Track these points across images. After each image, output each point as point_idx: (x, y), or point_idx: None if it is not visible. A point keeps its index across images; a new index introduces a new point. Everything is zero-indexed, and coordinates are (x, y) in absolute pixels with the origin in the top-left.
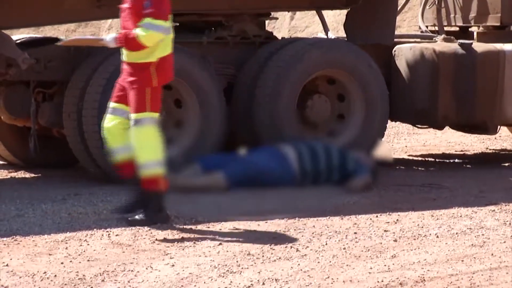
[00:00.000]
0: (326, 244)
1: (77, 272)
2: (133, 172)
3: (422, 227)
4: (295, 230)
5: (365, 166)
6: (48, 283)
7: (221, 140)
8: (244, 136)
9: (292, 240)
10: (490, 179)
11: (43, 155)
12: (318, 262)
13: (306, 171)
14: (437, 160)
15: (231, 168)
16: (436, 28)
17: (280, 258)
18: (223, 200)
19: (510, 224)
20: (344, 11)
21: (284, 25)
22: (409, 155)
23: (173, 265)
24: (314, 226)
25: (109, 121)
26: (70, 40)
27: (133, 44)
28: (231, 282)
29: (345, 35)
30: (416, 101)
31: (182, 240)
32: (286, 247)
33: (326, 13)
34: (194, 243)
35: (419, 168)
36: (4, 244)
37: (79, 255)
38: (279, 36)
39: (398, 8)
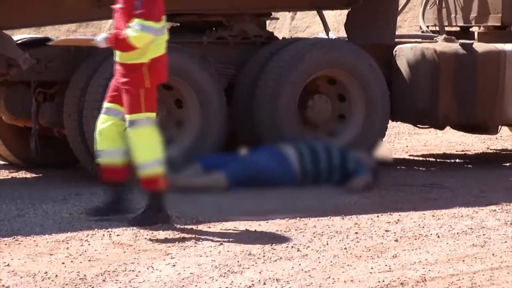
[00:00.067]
0: (327, 244)
1: (78, 272)
2: (115, 178)
3: (423, 227)
4: (296, 230)
5: (365, 166)
6: (49, 283)
7: (222, 140)
8: (245, 136)
9: (293, 240)
10: (491, 179)
11: (44, 155)
12: (319, 262)
13: (306, 171)
14: (438, 160)
15: (232, 168)
16: (437, 28)
17: (281, 258)
18: (223, 200)
19: (511, 224)
20: (345, 11)
21: (284, 25)
22: (410, 155)
23: (174, 265)
24: (315, 226)
25: (102, 122)
26: (61, 40)
27: (123, 44)
28: (232, 282)
29: (345, 35)
30: (417, 101)
31: (183, 240)
32: (287, 247)
33: (327, 13)
34: (195, 243)
35: (420, 168)
36: (5, 244)
37: (80, 255)
38: (279, 36)
39: (399, 8)
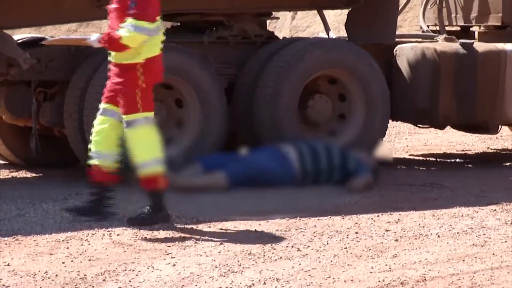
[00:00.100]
0: (327, 243)
1: (78, 271)
2: (102, 180)
3: (423, 226)
4: (296, 229)
5: (366, 165)
6: (49, 283)
7: (222, 140)
8: (245, 136)
9: (293, 239)
10: (491, 178)
11: (44, 155)
12: (319, 261)
13: (307, 171)
14: (438, 159)
15: (232, 168)
16: (437, 27)
17: (281, 257)
18: (223, 200)
19: (511, 223)
20: (345, 11)
21: (285, 24)
22: (410, 155)
23: (174, 265)
24: (315, 225)
25: (99, 123)
26: (54, 40)
27: (115, 44)
28: (232, 281)
29: (346, 35)
30: (417, 101)
31: (183, 239)
32: (287, 246)
33: (327, 13)
34: (195, 242)
35: (420, 168)
36: (6, 244)
37: (80, 254)
38: (280, 35)
39: (399, 8)
